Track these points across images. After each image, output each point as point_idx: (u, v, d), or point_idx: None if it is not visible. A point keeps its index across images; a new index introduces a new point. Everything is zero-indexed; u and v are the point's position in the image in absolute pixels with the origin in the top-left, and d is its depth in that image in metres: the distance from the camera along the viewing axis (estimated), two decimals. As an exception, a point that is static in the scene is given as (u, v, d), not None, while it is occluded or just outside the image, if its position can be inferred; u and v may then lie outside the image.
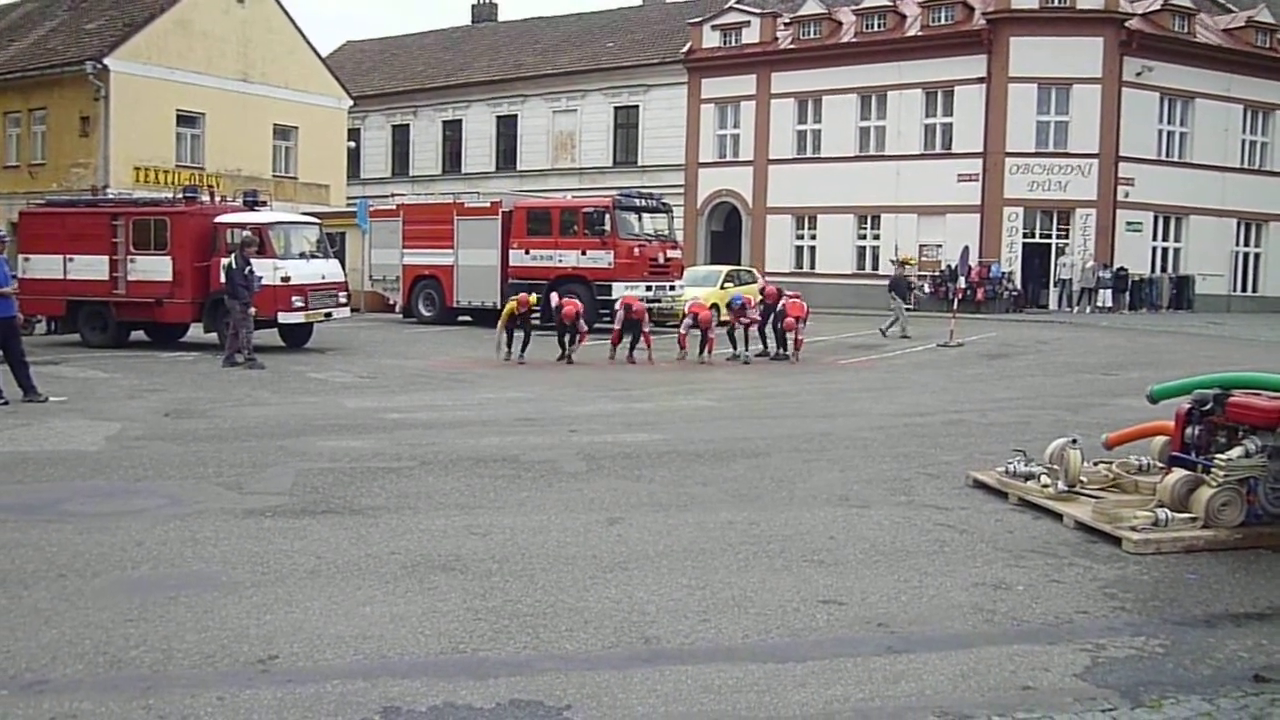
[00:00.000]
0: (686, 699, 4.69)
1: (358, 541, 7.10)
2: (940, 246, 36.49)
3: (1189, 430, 8.19)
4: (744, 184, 41.56)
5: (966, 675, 5.05)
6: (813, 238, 40.38)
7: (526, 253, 26.36)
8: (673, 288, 26.28)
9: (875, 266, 38.45)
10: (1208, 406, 8.12)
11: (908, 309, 26.89)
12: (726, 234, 42.82)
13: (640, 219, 26.12)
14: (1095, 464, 9.26)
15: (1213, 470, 7.58)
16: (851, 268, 39.15)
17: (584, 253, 25.34)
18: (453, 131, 49.59)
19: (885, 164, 37.90)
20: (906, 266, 31.81)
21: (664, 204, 27.62)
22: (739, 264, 35.86)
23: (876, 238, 38.78)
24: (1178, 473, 7.90)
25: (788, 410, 13.54)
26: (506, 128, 47.76)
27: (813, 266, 39.97)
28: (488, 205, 27.95)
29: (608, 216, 25.22)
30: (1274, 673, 5.20)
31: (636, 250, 25.38)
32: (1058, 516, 8.01)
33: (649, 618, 5.70)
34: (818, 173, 39.10)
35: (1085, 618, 5.94)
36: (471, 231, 27.52)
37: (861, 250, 39.36)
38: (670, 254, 26.59)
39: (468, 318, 28.45)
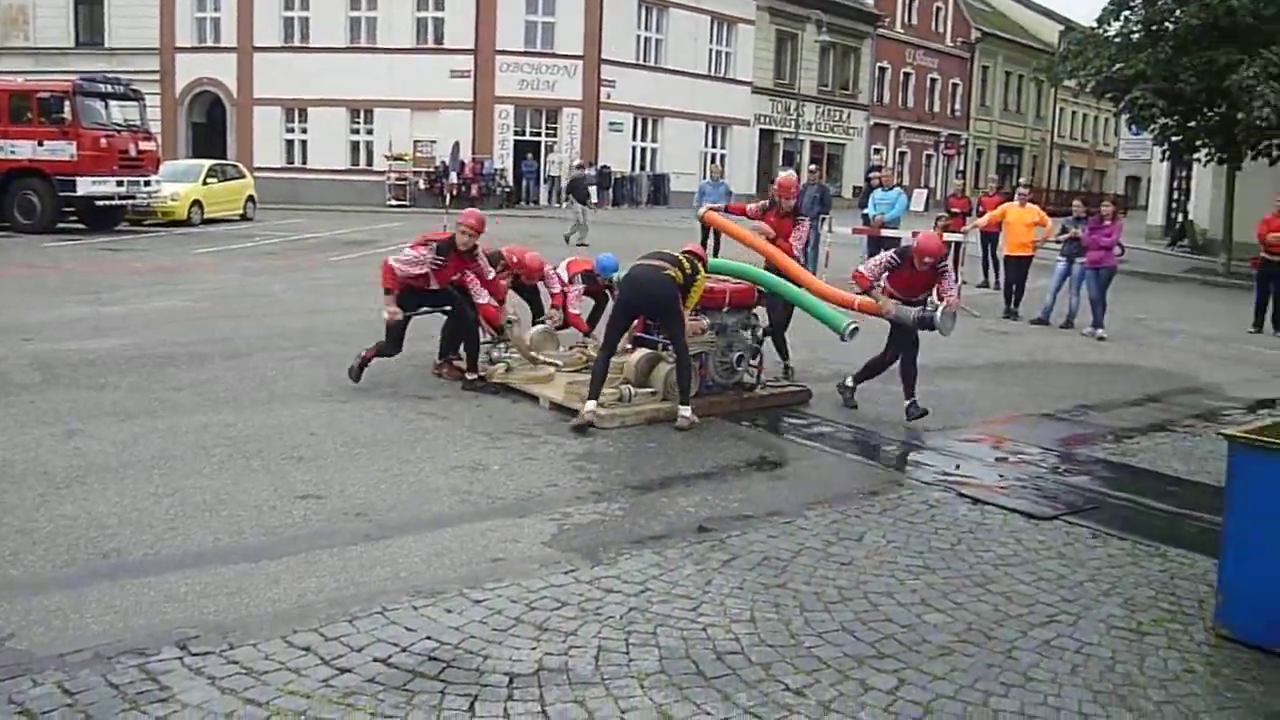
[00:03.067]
0: (148, 611, 4.43)
1: None
2: (434, 143, 36.43)
3: (650, 312, 8.85)
4: (227, 72, 38.94)
5: (441, 554, 5.19)
6: (304, 131, 38.81)
7: (-30, 143, 23.09)
8: (148, 183, 24.28)
9: (370, 162, 37.77)
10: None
11: (590, 211, 25.35)
12: (210, 126, 40.07)
13: (108, 106, 23.78)
14: (571, 348, 9.80)
15: (668, 348, 8.27)
16: (345, 163, 38.16)
17: (41, 143, 22.66)
18: None
19: (377, 56, 37.07)
20: (588, 169, 30.68)
21: (135, 91, 25.28)
22: (225, 158, 33.81)
23: (370, 133, 38.03)
24: (640, 351, 8.54)
25: (272, 309, 13.04)
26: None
27: (305, 162, 38.51)
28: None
29: (68, 103, 22.68)
30: (715, 523, 5.82)
31: (104, 141, 23.06)
32: (535, 399, 8.39)
33: (109, 532, 5.31)
34: (307, 62, 37.41)
35: (555, 490, 6.30)
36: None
37: (355, 145, 38.47)
38: (144, 146, 24.48)
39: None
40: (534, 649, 4.22)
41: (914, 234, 10.55)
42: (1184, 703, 4.08)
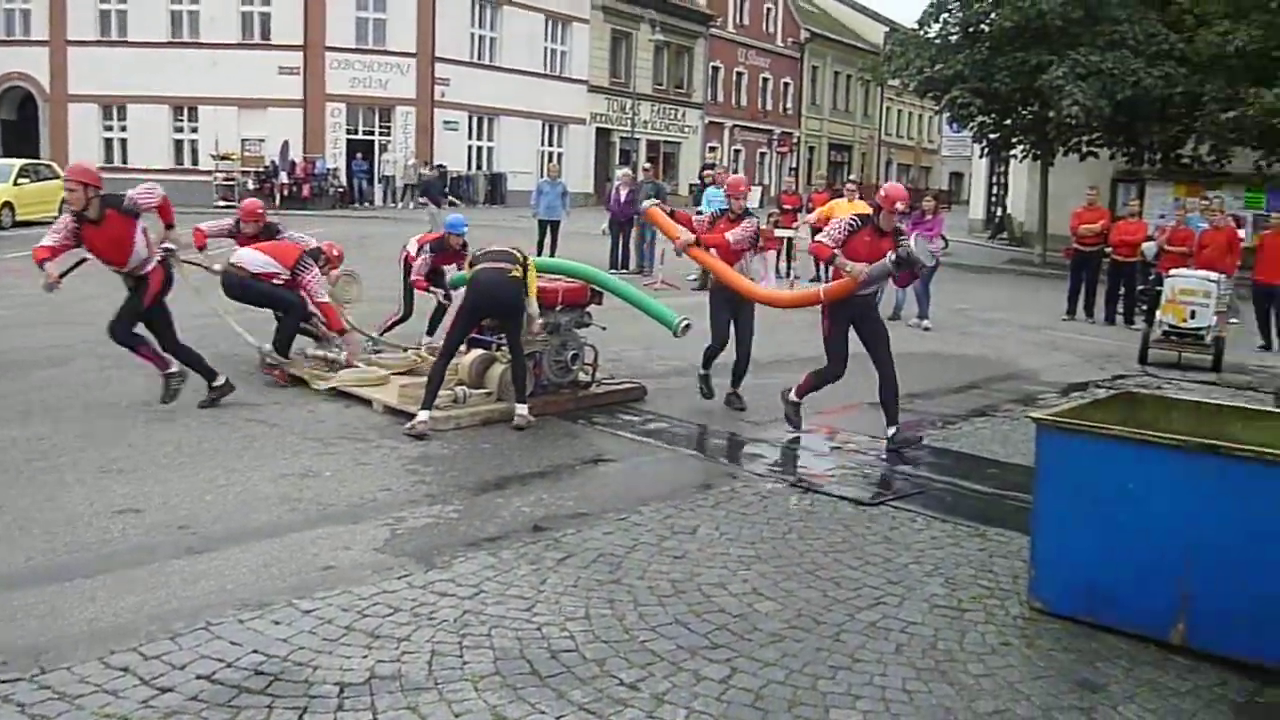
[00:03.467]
0: (-51, 637, 4.18)
1: None
2: (263, 141, 35.42)
3: (484, 312, 8.79)
4: (39, 67, 37.03)
5: (269, 565, 5.05)
6: (124, 129, 37.22)
7: None
8: (-47, 183, 22.97)
9: (195, 162, 36.46)
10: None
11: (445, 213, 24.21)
12: (22, 124, 38.04)
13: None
14: (406, 349, 9.67)
15: (503, 348, 8.23)
16: (169, 163, 36.72)
17: None
18: None
19: (201, 51, 35.81)
20: (442, 169, 30.00)
21: (-66, 86, 23.91)
22: (38, 158, 32.15)
23: (195, 131, 36.71)
24: (475, 352, 8.48)
25: (90, 316, 12.43)
26: None
27: (125, 161, 36.91)
28: None
29: None
30: (550, 522, 5.82)
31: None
32: (368, 402, 8.24)
33: (-94, 556, 4.99)
34: (126, 57, 35.90)
35: (388, 494, 6.20)
36: None
37: (179, 144, 37.08)
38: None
39: None
40: (365, 657, 4.14)
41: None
42: (1001, 674, 4.26)
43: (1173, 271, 13.02)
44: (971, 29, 24.90)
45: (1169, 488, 4.43)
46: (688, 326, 8.25)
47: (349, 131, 36.97)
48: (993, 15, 24.03)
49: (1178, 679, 4.29)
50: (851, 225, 7.65)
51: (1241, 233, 16.22)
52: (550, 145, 43.29)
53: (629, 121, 44.96)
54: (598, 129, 45.67)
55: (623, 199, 18.78)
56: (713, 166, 19.77)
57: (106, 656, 4.07)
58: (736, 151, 54.69)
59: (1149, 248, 15.22)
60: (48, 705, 3.70)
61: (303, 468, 6.60)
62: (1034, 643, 4.58)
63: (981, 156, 33.33)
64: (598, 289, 9.01)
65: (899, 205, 7.68)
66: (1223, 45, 20.76)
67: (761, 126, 56.92)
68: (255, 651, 4.15)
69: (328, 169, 35.72)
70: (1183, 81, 21.74)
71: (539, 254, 19.75)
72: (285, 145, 32.06)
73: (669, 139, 50.05)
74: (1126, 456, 4.50)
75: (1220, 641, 4.40)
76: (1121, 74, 21.55)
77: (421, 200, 25.89)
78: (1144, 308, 15.14)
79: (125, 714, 3.67)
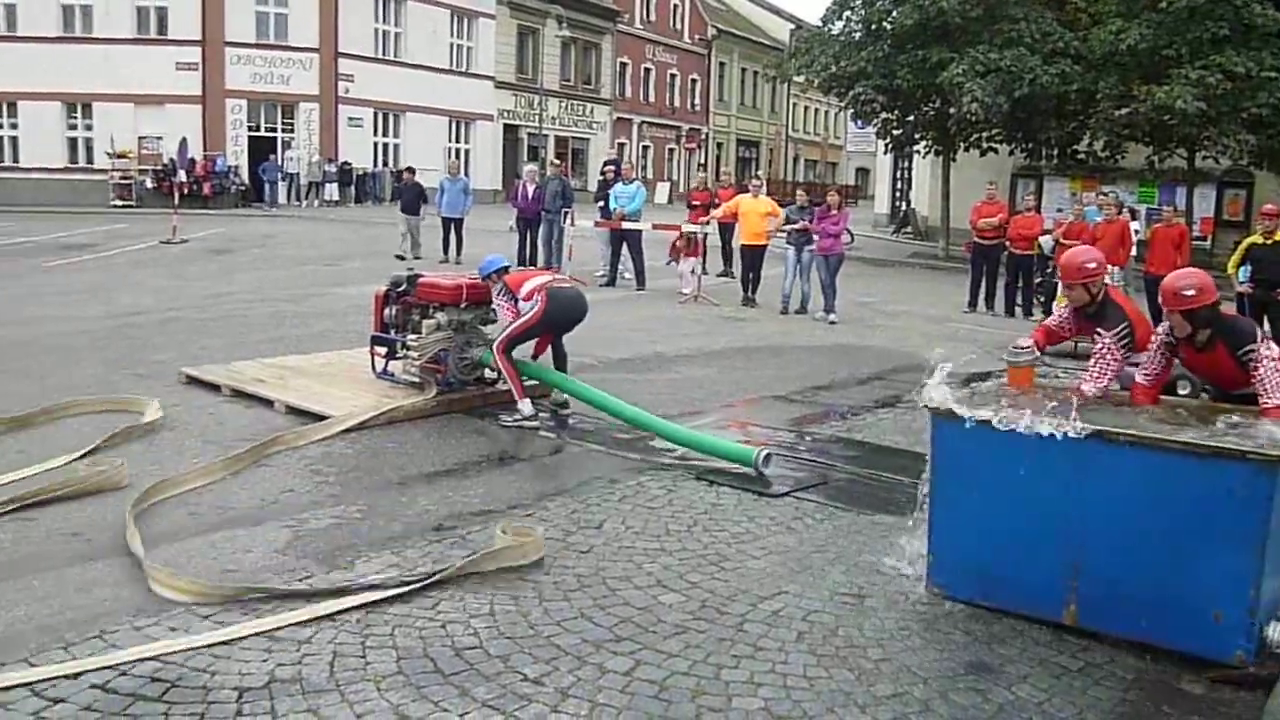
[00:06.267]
0: None
1: None
2: (161, 139, 34.57)
3: (387, 310, 8.72)
4: (-80, 61, 35.80)
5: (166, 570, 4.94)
6: (14, 126, 35.98)
7: None
8: None
9: (90, 160, 35.46)
10: (402, 288, 8.70)
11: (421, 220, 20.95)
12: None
13: None
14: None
15: (408, 349, 8.17)
16: (63, 161, 35.68)
17: None
18: None
19: (94, 46, 34.82)
20: (412, 170, 23.90)
21: None
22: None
23: (90, 128, 35.69)
24: (381, 350, 8.39)
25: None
26: None
27: (16, 160, 35.80)
28: None
29: None
30: (455, 519, 5.79)
31: None
32: (270, 403, 8.11)
33: None
34: (14, 52, 34.72)
35: (290, 495, 6.12)
36: None
37: (74, 141, 36.03)
38: None
39: None
40: (265, 661, 4.09)
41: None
42: (899, 658, 4.35)
43: (1067, 264, 13.33)
44: (874, 26, 25.25)
45: (1059, 473, 4.56)
46: (769, 457, 7.04)
47: (251, 128, 36.26)
48: (894, 13, 24.41)
49: (1071, 658, 4.43)
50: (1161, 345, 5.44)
51: (1135, 226, 16.69)
52: (457, 142, 42.92)
53: (537, 117, 44.78)
54: (505, 125, 45.39)
55: (530, 195, 18.71)
56: (615, 163, 19.71)
57: (-5, 668, 3.96)
58: (645, 148, 54.79)
59: (1046, 241, 15.62)
60: (-70, 721, 3.60)
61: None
62: (932, 627, 4.68)
63: (885, 152, 33.82)
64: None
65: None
66: (1116, 43, 21.33)
67: (670, 123, 57.10)
68: (151, 659, 4.06)
69: (228, 166, 34.99)
70: (1078, 79, 22.31)
71: (444, 251, 19.61)
72: (184, 142, 31.29)
73: (577, 135, 49.96)
74: (1018, 443, 4.61)
75: (1109, 621, 4.54)
76: (1019, 71, 22.04)
77: (428, 211, 21.00)
78: (1041, 299, 15.56)
79: (14, 727, 3.58)
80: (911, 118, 26.10)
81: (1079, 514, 4.54)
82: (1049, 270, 14.65)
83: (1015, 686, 4.18)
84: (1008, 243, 16.24)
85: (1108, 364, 5.42)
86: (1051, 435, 4.53)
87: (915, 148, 28.17)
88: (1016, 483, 4.66)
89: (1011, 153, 26.46)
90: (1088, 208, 16.15)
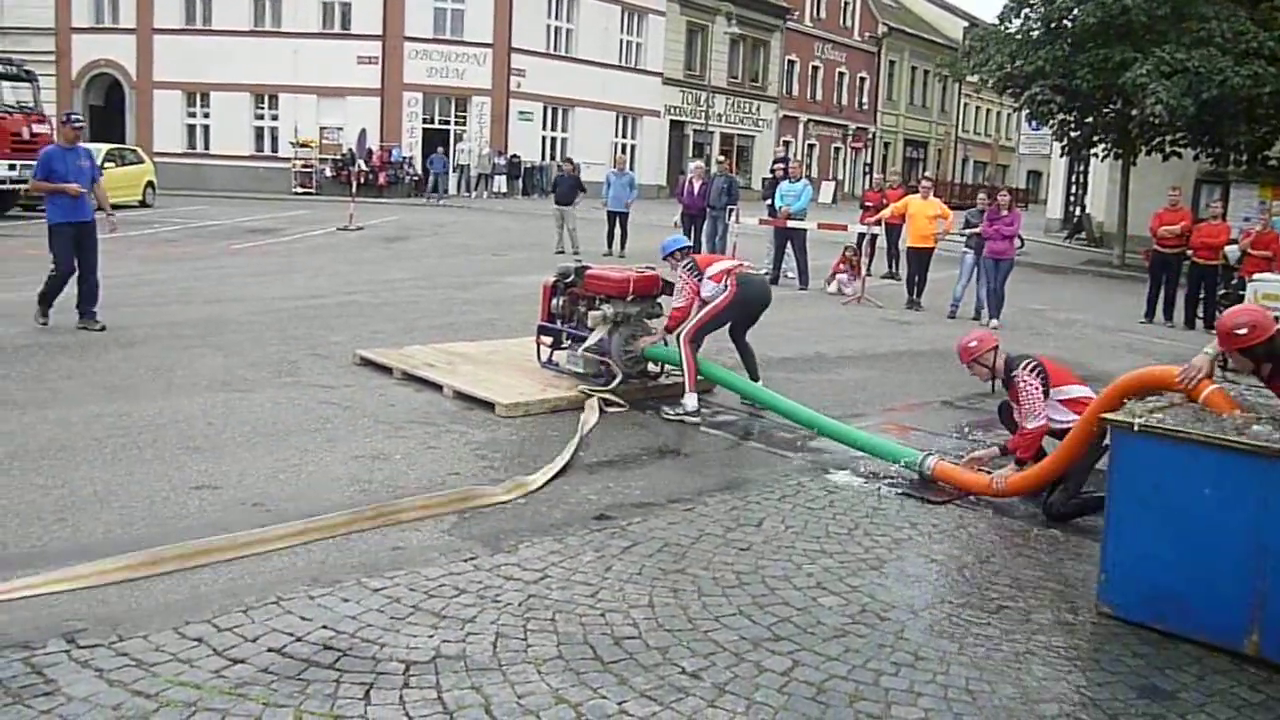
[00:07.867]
0: (34, 604, 4.31)
1: None
2: (341, 129, 35.97)
3: (554, 300, 8.86)
4: (126, 54, 37.96)
5: (339, 543, 5.14)
6: (206, 116, 38.02)
7: None
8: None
9: (275, 149, 37.13)
10: (570, 279, 8.83)
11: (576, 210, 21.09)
12: (108, 110, 39.01)
13: (-1, 88, 23.08)
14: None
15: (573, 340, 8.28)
16: (250, 149, 37.48)
17: (-72, 125, 21.91)
18: None
19: (282, 40, 36.44)
20: (571, 162, 23.81)
21: (28, 71, 24.54)
22: (124, 143, 32.95)
23: (275, 118, 37.36)
24: (546, 340, 8.53)
25: (172, 297, 12.76)
26: None
27: (207, 147, 37.75)
28: None
29: (-46, 84, 21.95)
30: (616, 510, 5.85)
31: (-6, 123, 22.38)
32: (439, 387, 8.34)
33: (-7, 524, 5.16)
34: (210, 45, 36.65)
35: (457, 478, 6.27)
36: None
37: (260, 131, 37.76)
38: (37, 129, 23.73)
39: None
40: (431, 636, 4.20)
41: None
42: (1067, 678, 4.21)
43: (1256, 276, 12.73)
44: (1053, 25, 24.42)
45: (1246, 493, 4.35)
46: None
47: (425, 121, 37.35)
48: (1075, 11, 23.55)
49: (1251, 690, 4.21)
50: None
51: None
52: (624, 137, 43.38)
53: (703, 114, 44.89)
54: (672, 121, 45.66)
55: (695, 191, 18.76)
56: (784, 161, 19.63)
57: (181, 627, 4.17)
58: (811, 146, 54.36)
59: (1232, 251, 14.89)
60: (124, 672, 3.80)
61: (374, 450, 6.70)
62: (1101, 648, 4.51)
63: (1061, 155, 32.75)
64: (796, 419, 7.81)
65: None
66: (1315, 44, 20.19)
67: (836, 121, 56.53)
68: (324, 627, 4.23)
69: (403, 157, 36.12)
70: (1271, 81, 21.15)
71: (608, 244, 19.86)
72: (363, 133, 32.39)
73: (743, 132, 49.92)
74: (1204, 461, 4.41)
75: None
76: (1208, 72, 21.00)
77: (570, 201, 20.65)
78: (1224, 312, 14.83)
79: (198, 683, 3.76)
80: (1090, 119, 25.15)
81: (1268, 539, 4.32)
82: (1234, 282, 13.98)
83: (1190, 716, 3.99)
84: (1190, 252, 15.53)
85: None
86: (1241, 453, 4.31)
87: (1093, 150, 27.16)
88: (1200, 502, 4.45)
89: (1196, 157, 25.23)
90: (1276, 217, 15.33)
